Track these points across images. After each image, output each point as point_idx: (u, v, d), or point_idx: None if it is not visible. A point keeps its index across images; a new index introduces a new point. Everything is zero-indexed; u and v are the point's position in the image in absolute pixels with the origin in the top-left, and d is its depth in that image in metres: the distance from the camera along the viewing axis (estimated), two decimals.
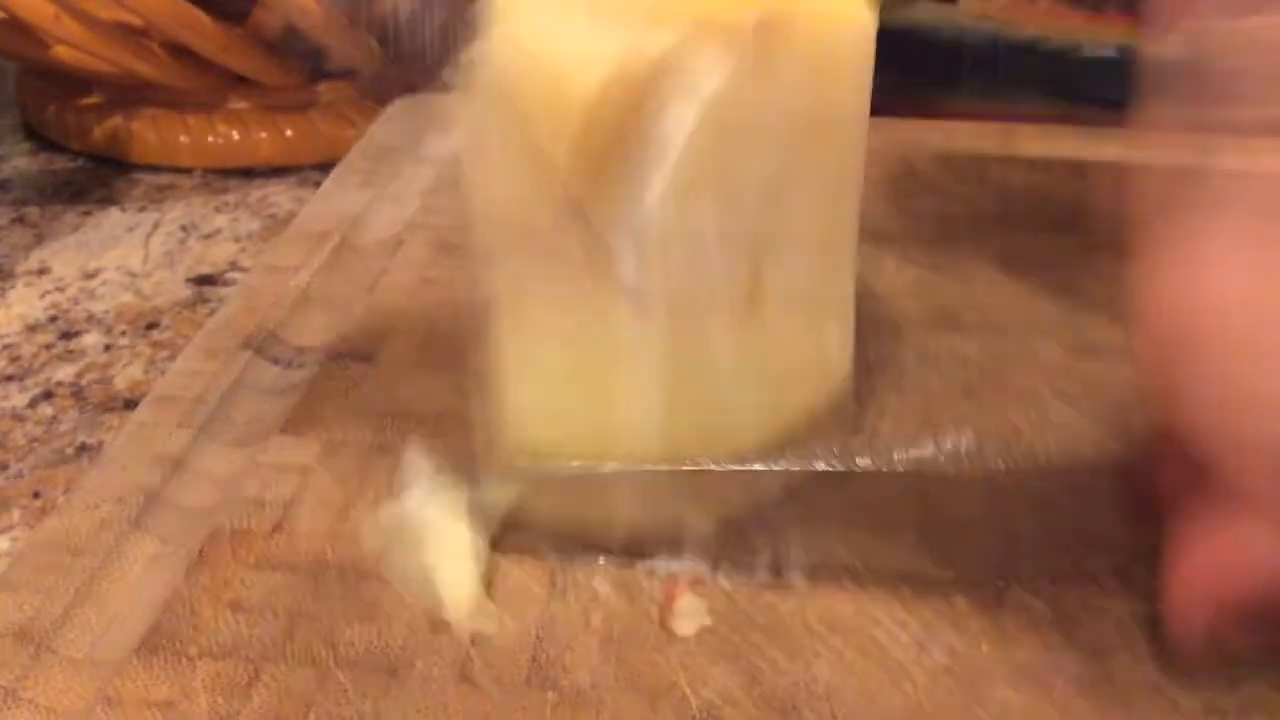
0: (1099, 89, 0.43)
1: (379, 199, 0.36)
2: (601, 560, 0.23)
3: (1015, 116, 0.43)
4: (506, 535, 0.23)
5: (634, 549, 0.23)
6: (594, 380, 0.22)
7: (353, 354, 0.29)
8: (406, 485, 0.23)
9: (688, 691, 0.20)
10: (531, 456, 0.23)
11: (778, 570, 0.22)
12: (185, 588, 0.22)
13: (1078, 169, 0.38)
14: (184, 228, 0.43)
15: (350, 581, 0.22)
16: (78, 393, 0.34)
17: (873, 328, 0.30)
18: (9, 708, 0.19)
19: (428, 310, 0.31)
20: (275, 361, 0.29)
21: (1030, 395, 0.27)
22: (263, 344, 0.29)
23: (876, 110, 0.51)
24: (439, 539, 0.22)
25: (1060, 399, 0.27)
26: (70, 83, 0.49)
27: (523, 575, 0.22)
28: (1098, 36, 0.41)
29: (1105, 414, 0.27)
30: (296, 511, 0.24)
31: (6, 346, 0.36)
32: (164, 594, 0.22)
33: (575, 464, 0.22)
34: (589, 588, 0.22)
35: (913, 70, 0.46)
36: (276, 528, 0.23)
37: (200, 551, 0.23)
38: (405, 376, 0.28)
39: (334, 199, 0.36)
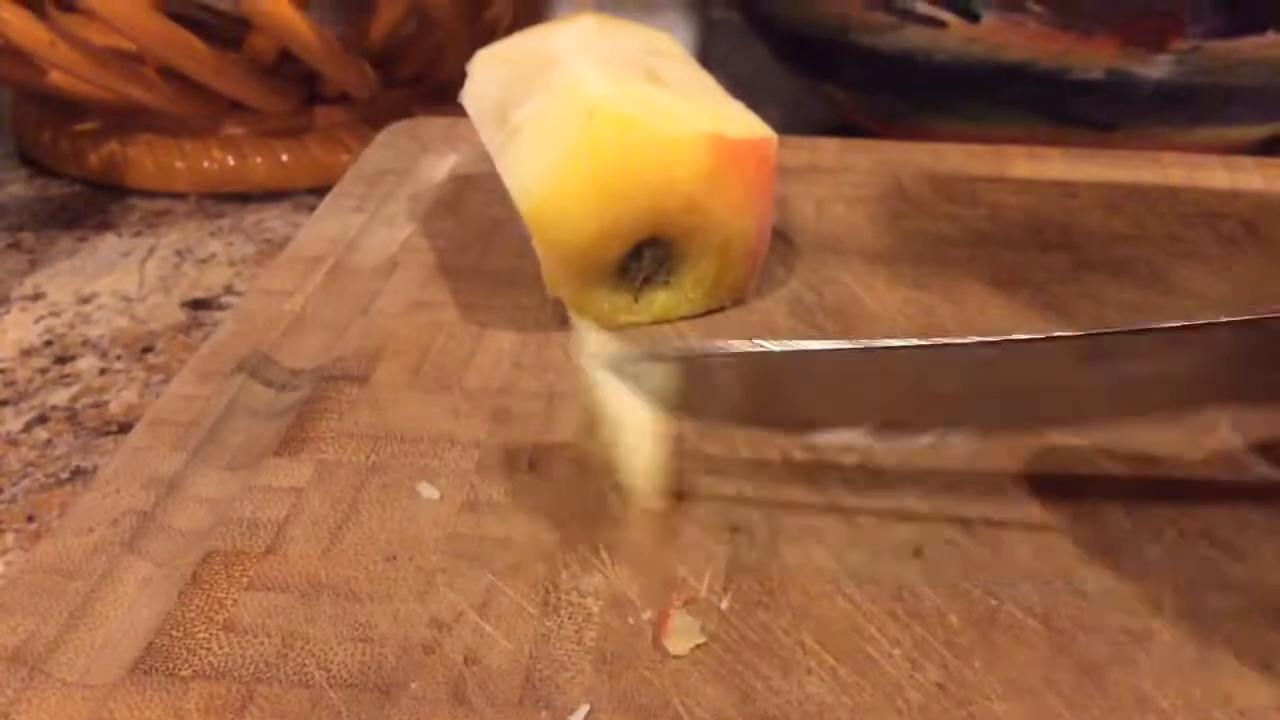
0: (1088, 111, 0.44)
1: (373, 222, 0.37)
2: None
3: (1005, 138, 0.43)
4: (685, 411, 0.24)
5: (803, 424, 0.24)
6: None
7: (346, 376, 0.29)
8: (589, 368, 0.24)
9: (681, 711, 0.20)
10: None
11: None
12: (178, 609, 0.22)
13: (1067, 189, 0.39)
14: (179, 252, 0.44)
15: (343, 602, 0.22)
16: (72, 417, 0.34)
17: None
18: None
19: (421, 333, 0.31)
20: (269, 384, 0.29)
21: None
22: (257, 367, 0.29)
23: (868, 132, 0.51)
24: (620, 418, 0.23)
25: None
26: (66, 109, 0.49)
27: (515, 594, 0.22)
28: (1086, 59, 0.42)
29: (1102, 431, 0.27)
30: (290, 533, 0.24)
31: (1, 371, 0.36)
32: (157, 616, 0.22)
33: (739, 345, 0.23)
34: (582, 606, 0.22)
35: (904, 93, 0.46)
36: (270, 549, 0.23)
37: (193, 573, 0.23)
38: (398, 398, 0.28)
39: (328, 223, 0.37)
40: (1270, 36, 0.40)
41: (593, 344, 0.24)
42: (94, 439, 0.33)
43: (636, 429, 0.23)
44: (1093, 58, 0.41)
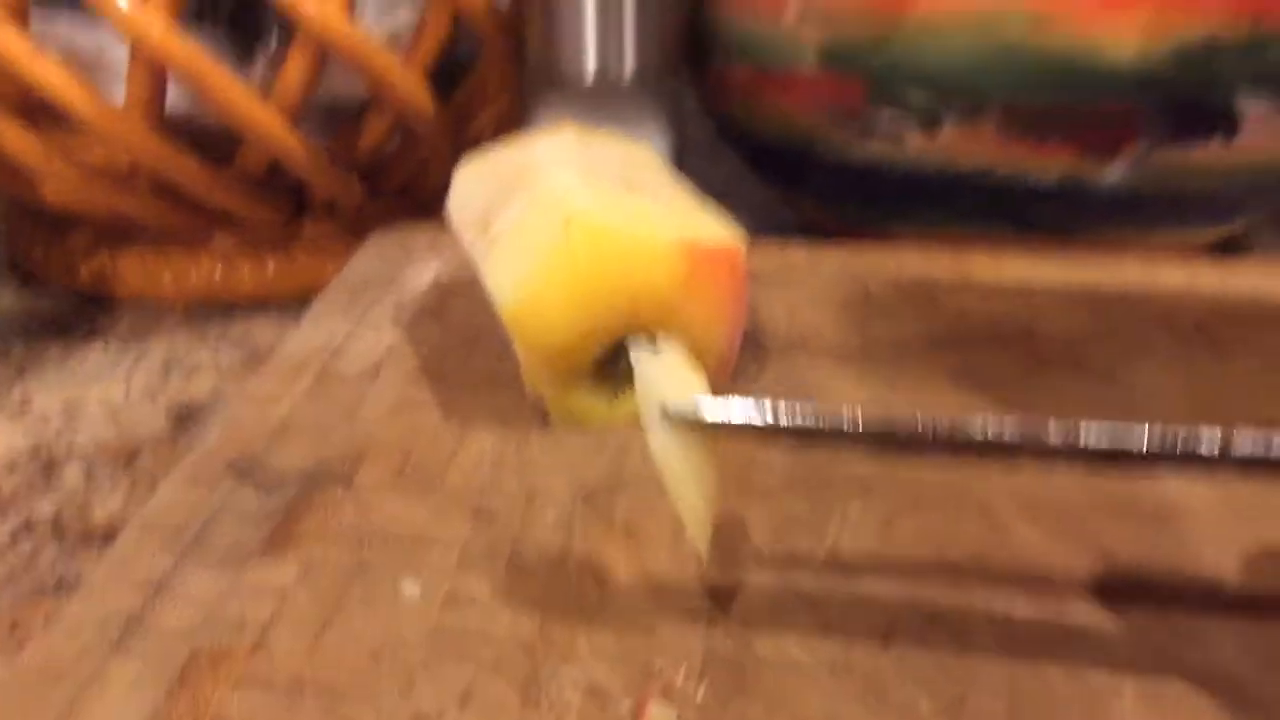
0: (1045, 217, 0.46)
1: (359, 327, 0.38)
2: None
3: (965, 243, 0.45)
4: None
5: None
6: None
7: (332, 478, 0.30)
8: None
9: None
10: None
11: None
12: (166, 708, 0.22)
13: (1026, 291, 0.40)
14: (166, 362, 0.44)
15: (327, 700, 0.22)
16: (57, 526, 0.34)
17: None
18: None
19: (405, 435, 0.32)
20: (257, 487, 0.29)
21: (989, 508, 0.28)
22: (244, 471, 0.30)
23: (835, 236, 0.53)
24: (673, 471, 0.25)
25: (1018, 511, 0.28)
26: (57, 221, 0.50)
27: (496, 688, 0.23)
28: (1042, 167, 0.44)
29: (1063, 526, 0.28)
30: (275, 631, 0.24)
31: None
32: (145, 715, 0.22)
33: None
34: (561, 697, 0.22)
35: (869, 202, 0.48)
36: (256, 647, 0.24)
37: (181, 672, 0.23)
38: (382, 499, 0.29)
39: (314, 330, 0.38)
40: (1217, 142, 0.42)
41: (654, 392, 0.25)
42: (79, 548, 0.33)
43: (688, 476, 0.24)
44: (1048, 165, 0.43)
